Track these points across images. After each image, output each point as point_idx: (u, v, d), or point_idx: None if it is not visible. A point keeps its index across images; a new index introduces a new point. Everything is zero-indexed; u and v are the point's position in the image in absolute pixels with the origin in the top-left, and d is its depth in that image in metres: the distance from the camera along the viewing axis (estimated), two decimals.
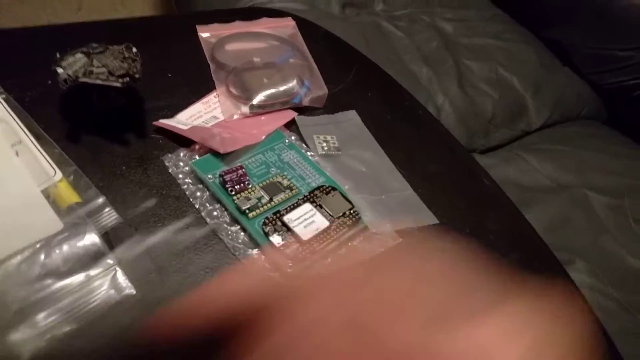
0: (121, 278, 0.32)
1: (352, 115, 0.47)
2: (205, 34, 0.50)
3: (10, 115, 0.39)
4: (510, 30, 1.01)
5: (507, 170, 0.77)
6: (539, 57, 0.96)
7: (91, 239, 0.32)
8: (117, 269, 0.32)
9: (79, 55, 0.40)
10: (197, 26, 0.51)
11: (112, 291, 0.31)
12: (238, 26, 0.52)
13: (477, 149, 0.86)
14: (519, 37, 0.99)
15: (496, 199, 0.46)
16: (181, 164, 0.40)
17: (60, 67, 0.39)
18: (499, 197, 0.46)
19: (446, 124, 0.75)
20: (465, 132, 0.84)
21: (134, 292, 0.32)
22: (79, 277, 0.31)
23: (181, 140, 0.41)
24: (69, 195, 0.34)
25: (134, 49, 0.41)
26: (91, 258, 0.32)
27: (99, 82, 0.39)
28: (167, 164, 0.40)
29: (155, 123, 0.42)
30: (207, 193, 0.38)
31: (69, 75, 0.38)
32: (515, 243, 0.42)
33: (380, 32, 0.92)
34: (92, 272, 0.31)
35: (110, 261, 0.32)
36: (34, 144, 0.37)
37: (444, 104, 0.85)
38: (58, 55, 0.39)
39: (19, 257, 0.30)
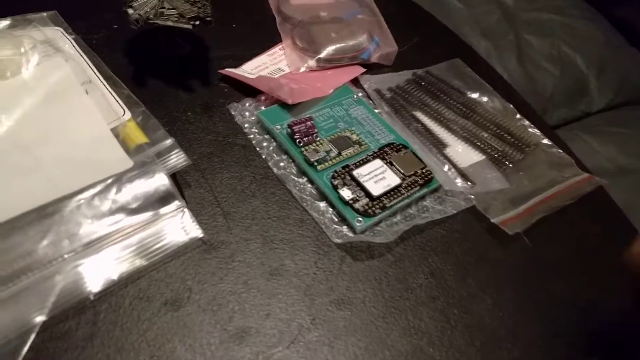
0: (189, 220, 0.31)
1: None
2: None
3: (80, 55, 0.39)
4: (574, 6, 0.95)
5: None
6: (605, 36, 0.91)
7: (160, 178, 0.31)
8: (186, 210, 0.31)
9: None
10: None
11: (181, 232, 0.31)
12: None
13: None
14: (584, 14, 0.94)
15: None
16: (247, 113, 0.39)
17: (131, 7, 0.38)
18: None
19: None
20: None
21: (202, 235, 0.31)
22: (148, 215, 0.30)
23: (246, 90, 0.40)
24: (138, 135, 0.34)
25: None
26: (160, 197, 0.31)
27: (170, 23, 0.38)
28: (232, 113, 0.39)
29: (220, 71, 0.42)
30: (274, 143, 0.37)
31: (140, 16, 0.38)
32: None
33: (437, 2, 0.89)
34: (161, 211, 0.31)
35: (179, 202, 0.31)
36: (103, 84, 0.37)
37: None
38: None
39: (91, 191, 0.30)
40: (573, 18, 0.92)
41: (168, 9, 0.38)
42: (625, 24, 0.95)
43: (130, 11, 0.37)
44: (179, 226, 0.31)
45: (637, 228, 0.38)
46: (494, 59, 0.84)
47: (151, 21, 0.38)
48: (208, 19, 0.38)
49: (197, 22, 0.38)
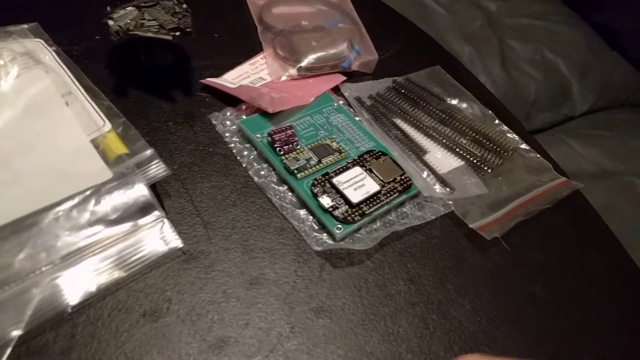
0: (169, 230, 0.31)
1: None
2: None
3: (61, 66, 0.39)
4: (556, 11, 0.97)
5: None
6: (587, 40, 0.92)
7: (140, 189, 0.31)
8: (165, 220, 0.32)
9: (130, 8, 0.39)
10: None
11: (160, 242, 0.31)
12: None
13: None
14: (566, 19, 0.96)
15: None
16: (228, 122, 0.39)
17: (112, 19, 0.38)
18: None
19: None
20: None
21: (181, 245, 0.31)
22: (127, 226, 0.30)
23: (227, 100, 0.41)
24: (118, 146, 0.34)
25: (185, 5, 0.40)
26: (139, 208, 0.31)
27: (150, 34, 0.38)
28: (213, 122, 0.39)
29: (202, 81, 0.42)
30: (255, 152, 0.37)
31: (120, 27, 0.38)
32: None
33: (421, 8, 0.90)
34: (141, 221, 0.31)
35: (158, 212, 0.31)
36: (83, 95, 0.37)
37: (486, 85, 0.82)
38: (109, 8, 0.39)
39: (70, 203, 0.30)
40: (556, 23, 0.93)
41: (148, 20, 0.38)
42: (606, 28, 0.97)
43: (111, 22, 0.38)
44: (158, 236, 0.31)
45: (613, 230, 0.39)
46: (477, 64, 0.85)
47: (132, 32, 0.38)
48: (188, 30, 0.38)
49: (178, 33, 0.38)
